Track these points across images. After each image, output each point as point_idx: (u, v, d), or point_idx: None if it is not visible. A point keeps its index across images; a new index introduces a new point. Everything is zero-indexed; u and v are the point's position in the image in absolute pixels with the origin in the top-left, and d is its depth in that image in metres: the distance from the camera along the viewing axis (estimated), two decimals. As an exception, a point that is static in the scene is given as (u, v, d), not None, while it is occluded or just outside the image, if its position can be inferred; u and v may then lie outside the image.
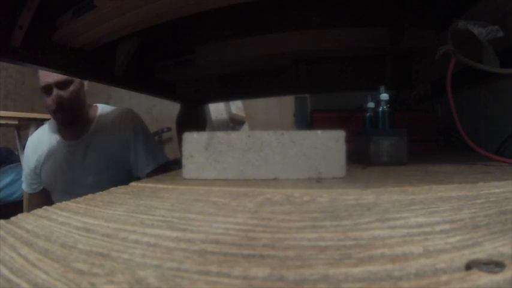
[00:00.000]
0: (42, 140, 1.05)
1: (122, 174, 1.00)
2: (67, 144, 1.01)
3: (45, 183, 1.05)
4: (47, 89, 0.94)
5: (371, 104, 0.55)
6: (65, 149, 1.01)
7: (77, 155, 1.00)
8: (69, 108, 0.96)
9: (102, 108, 1.07)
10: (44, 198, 1.06)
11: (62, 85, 0.94)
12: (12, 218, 0.23)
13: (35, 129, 1.76)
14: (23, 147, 1.74)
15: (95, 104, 1.08)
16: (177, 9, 0.63)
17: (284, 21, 0.87)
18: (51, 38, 0.70)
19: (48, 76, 0.92)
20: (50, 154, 1.03)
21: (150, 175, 0.98)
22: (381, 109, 0.51)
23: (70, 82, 0.95)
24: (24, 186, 1.10)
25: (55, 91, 0.93)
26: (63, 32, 0.69)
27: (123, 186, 0.36)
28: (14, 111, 1.91)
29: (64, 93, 0.94)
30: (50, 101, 0.95)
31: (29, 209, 0.90)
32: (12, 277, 0.14)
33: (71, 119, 0.99)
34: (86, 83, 1.01)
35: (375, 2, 0.77)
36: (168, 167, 1.03)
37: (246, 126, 2.54)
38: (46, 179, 1.05)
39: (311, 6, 0.81)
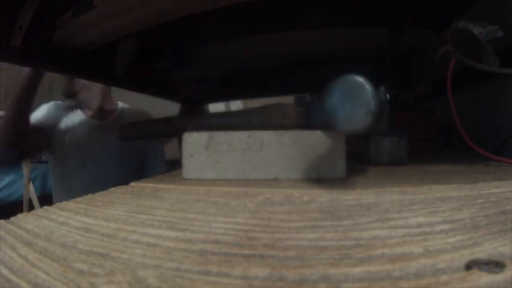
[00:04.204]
0: (61, 110, 1.04)
1: (133, 171, 1.03)
2: (91, 121, 1.04)
3: (61, 149, 1.01)
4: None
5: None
6: (89, 125, 1.03)
7: (99, 135, 1.02)
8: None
9: (121, 104, 1.13)
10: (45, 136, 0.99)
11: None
12: (12, 218, 0.23)
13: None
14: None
15: (114, 100, 1.13)
16: (177, 9, 0.63)
17: (284, 21, 0.87)
18: (51, 38, 0.70)
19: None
20: (74, 126, 1.02)
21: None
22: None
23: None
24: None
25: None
26: (63, 32, 0.69)
27: (123, 186, 0.36)
28: (14, 111, 1.90)
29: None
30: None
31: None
32: (12, 277, 0.14)
33: (94, 99, 1.03)
34: None
35: (375, 2, 0.77)
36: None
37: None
38: (63, 145, 1.01)
39: (311, 6, 0.81)
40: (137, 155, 1.06)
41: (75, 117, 1.05)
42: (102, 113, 1.06)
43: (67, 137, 1.03)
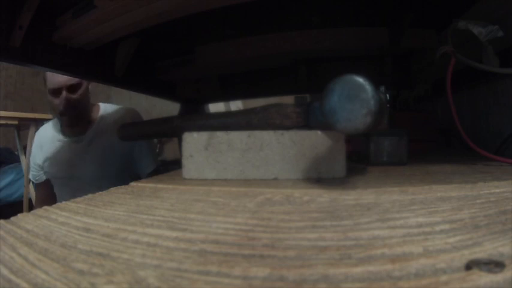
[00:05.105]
0: (46, 137, 1.08)
1: (122, 174, 1.01)
2: (69, 141, 1.03)
3: (49, 176, 1.08)
4: (56, 91, 0.96)
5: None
6: (67, 145, 1.03)
7: (78, 151, 1.02)
8: (76, 110, 0.99)
9: (104, 107, 1.09)
10: (48, 187, 1.10)
11: (72, 88, 0.96)
12: (12, 218, 0.23)
13: (35, 129, 1.77)
14: (23, 147, 1.74)
15: (97, 103, 1.10)
16: (177, 9, 0.63)
17: (284, 21, 0.87)
18: (51, 38, 0.70)
19: (59, 78, 0.93)
20: (54, 151, 1.05)
21: (150, 175, 1.00)
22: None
23: (79, 85, 0.97)
24: (30, 175, 1.16)
25: (64, 93, 0.95)
26: (63, 32, 0.69)
27: (123, 186, 0.36)
28: (14, 111, 1.90)
29: (73, 96, 0.96)
30: (57, 101, 0.97)
31: (36, 197, 0.96)
32: (12, 277, 0.14)
33: (77, 119, 1.01)
34: (90, 84, 1.03)
35: (375, 2, 0.77)
36: (158, 169, 1.07)
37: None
38: (50, 173, 1.07)
39: (311, 6, 0.81)
40: (122, 156, 1.04)
41: (55, 139, 1.05)
42: (82, 124, 1.04)
43: (50, 163, 1.06)
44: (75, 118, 1.00)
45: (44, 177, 1.09)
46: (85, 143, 1.01)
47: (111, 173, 1.00)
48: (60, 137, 1.04)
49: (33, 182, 1.20)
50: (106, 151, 1.01)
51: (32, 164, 1.11)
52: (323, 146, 0.37)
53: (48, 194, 1.10)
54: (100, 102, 1.12)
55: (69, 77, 0.93)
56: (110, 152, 1.01)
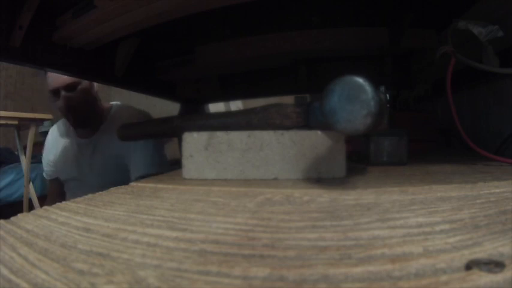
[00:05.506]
0: (60, 134, 1.08)
1: (126, 177, 0.99)
2: (78, 142, 1.03)
3: (60, 175, 1.09)
4: (55, 93, 0.96)
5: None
6: (76, 146, 1.03)
7: (85, 154, 1.02)
8: (79, 109, 0.98)
9: (116, 108, 1.07)
10: (60, 184, 1.10)
11: (69, 87, 0.95)
12: (12, 218, 0.23)
13: (35, 129, 1.77)
14: (23, 147, 1.74)
15: (110, 103, 1.09)
16: (177, 9, 0.63)
17: (284, 21, 0.87)
18: (51, 38, 0.70)
19: (56, 79, 0.94)
20: (64, 150, 1.05)
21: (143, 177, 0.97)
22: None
23: (77, 84, 0.96)
24: (43, 172, 1.17)
25: (63, 93, 0.95)
26: (63, 32, 0.69)
27: (123, 186, 0.36)
28: (14, 111, 1.90)
29: (72, 95, 0.96)
30: (59, 103, 0.97)
31: (48, 194, 0.98)
32: (12, 277, 0.14)
33: (83, 119, 1.00)
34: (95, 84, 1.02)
35: (375, 2, 0.77)
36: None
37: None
38: (60, 172, 1.08)
39: (311, 6, 0.81)
40: (124, 163, 1.00)
41: (67, 138, 1.05)
42: (92, 130, 1.03)
43: (60, 162, 1.06)
44: (81, 118, 0.99)
45: (56, 175, 1.10)
46: (91, 147, 1.01)
47: (116, 177, 0.97)
48: (71, 136, 1.04)
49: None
50: (109, 157, 1.00)
51: (45, 160, 1.11)
52: (323, 146, 0.37)
53: (59, 192, 1.10)
54: (113, 101, 1.11)
55: (67, 78, 0.92)
56: (113, 159, 1.00)
